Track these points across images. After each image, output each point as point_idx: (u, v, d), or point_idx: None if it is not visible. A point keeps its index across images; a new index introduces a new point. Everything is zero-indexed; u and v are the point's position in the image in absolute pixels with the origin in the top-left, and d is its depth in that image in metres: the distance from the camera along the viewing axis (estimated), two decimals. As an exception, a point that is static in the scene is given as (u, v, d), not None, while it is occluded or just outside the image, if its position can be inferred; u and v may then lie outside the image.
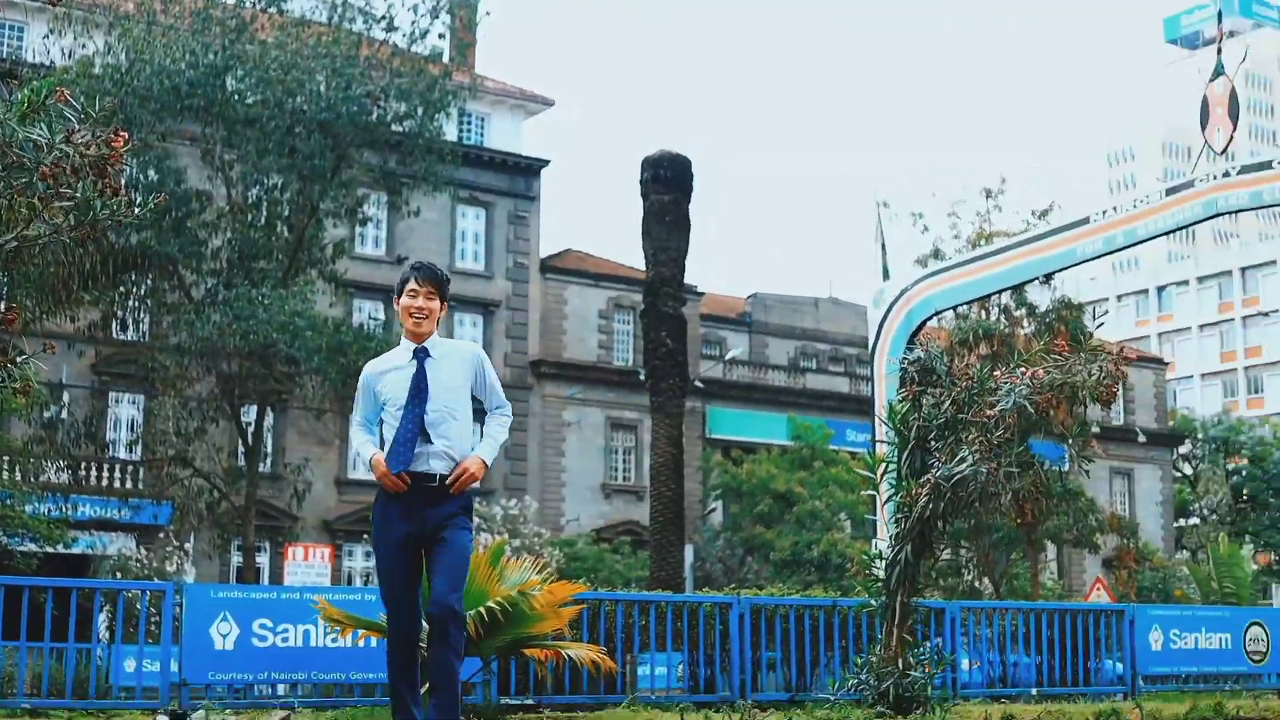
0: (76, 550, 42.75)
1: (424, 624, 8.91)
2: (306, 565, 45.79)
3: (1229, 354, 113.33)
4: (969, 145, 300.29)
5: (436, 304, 8.69)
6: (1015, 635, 19.12)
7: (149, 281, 35.31)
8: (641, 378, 59.13)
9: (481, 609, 12.23)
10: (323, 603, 13.29)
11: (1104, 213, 36.83)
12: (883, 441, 16.91)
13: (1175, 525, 77.26)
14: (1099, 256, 37.39)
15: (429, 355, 8.64)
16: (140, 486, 44.40)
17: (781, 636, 16.91)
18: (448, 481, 8.48)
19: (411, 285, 8.67)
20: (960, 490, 14.10)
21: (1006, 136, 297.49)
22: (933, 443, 14.86)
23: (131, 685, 16.01)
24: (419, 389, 8.53)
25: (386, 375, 8.70)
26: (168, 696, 13.62)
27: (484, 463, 8.54)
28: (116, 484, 44.76)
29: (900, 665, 14.13)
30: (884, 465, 15.18)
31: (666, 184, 36.55)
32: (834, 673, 16.79)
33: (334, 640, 14.06)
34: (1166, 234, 36.50)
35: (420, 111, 36.25)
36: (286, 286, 33.68)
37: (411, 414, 8.49)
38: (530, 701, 14.78)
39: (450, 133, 45.64)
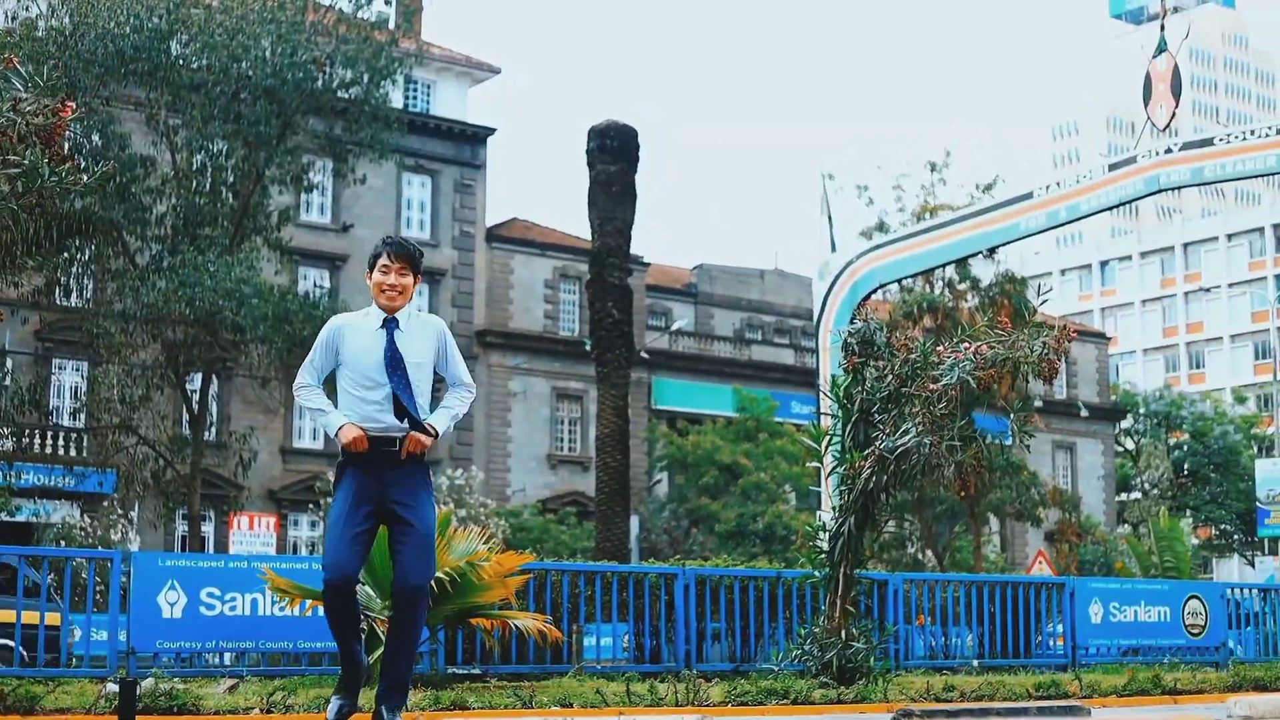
0: (20, 519, 42.58)
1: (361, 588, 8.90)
2: (252, 534, 45.71)
3: (1171, 329, 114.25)
4: (914, 117, 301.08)
5: (410, 280, 8.60)
6: (957, 607, 19.32)
7: (93, 247, 35.02)
8: (587, 348, 59.32)
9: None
10: (270, 573, 13.32)
11: (1047, 188, 37.12)
12: (827, 414, 17.05)
13: (1117, 499, 77.86)
14: (1042, 231, 37.72)
15: (398, 326, 8.58)
16: (85, 454, 44.17)
17: (726, 607, 17.03)
18: (395, 447, 8.44)
19: (384, 261, 8.59)
20: (903, 463, 14.25)
21: (951, 108, 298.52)
22: (876, 416, 15.01)
23: (79, 654, 16.01)
24: (394, 359, 8.46)
25: (354, 338, 8.60)
26: (115, 665, 13.62)
27: (435, 430, 8.49)
28: (60, 452, 44.53)
29: (843, 636, 14.29)
30: (828, 438, 15.30)
31: (613, 154, 36.56)
32: (778, 644, 16.92)
33: (281, 610, 14.07)
34: (1109, 209, 36.87)
35: (366, 79, 36.10)
36: (232, 254, 33.51)
37: (399, 382, 8.42)
38: (477, 671, 14.86)
39: (396, 100, 45.47)
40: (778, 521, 55.19)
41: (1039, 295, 16.44)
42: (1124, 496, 79.53)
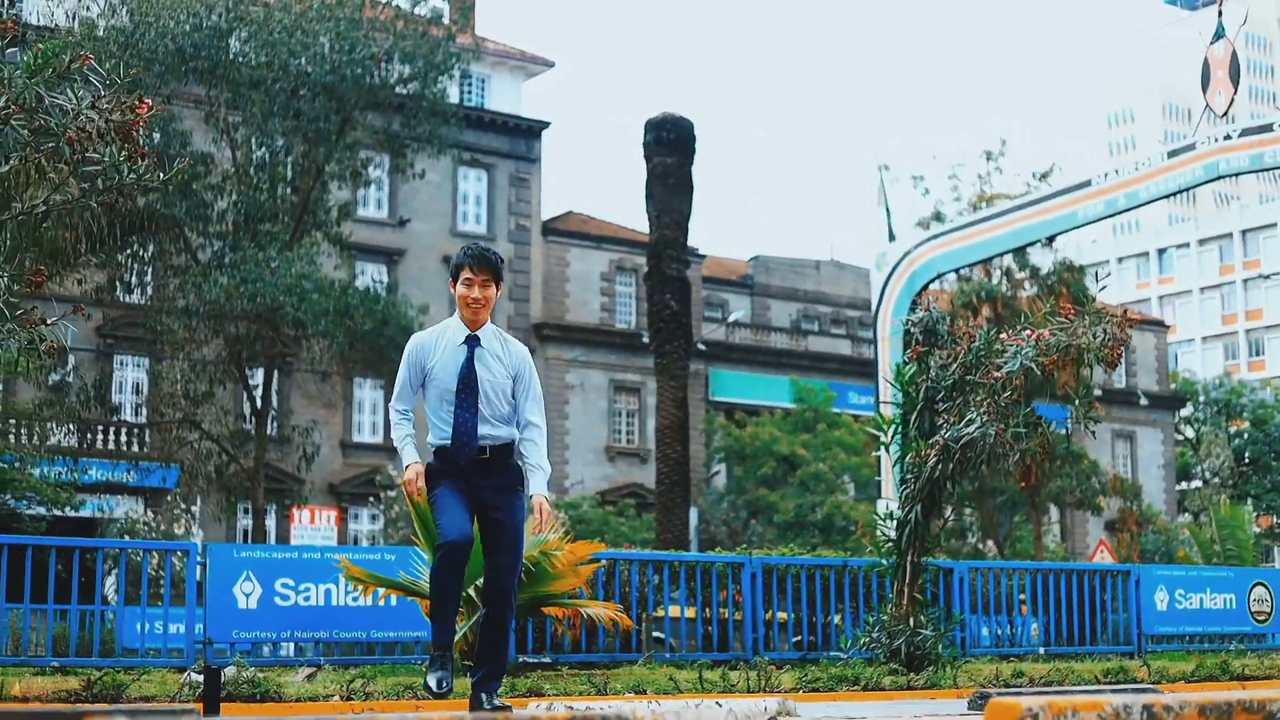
0: (84, 514, 43.00)
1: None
2: (313, 528, 46.07)
3: (1230, 316, 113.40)
4: (969, 106, 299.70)
5: (493, 290, 8.73)
6: (1022, 595, 19.33)
7: (155, 244, 35.36)
8: (644, 340, 59.49)
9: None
10: (346, 562, 13.49)
11: (1105, 175, 37.08)
12: (887, 403, 17.03)
13: (1177, 488, 77.46)
14: (1100, 219, 37.65)
15: (479, 344, 8.74)
16: (147, 449, 44.54)
17: (793, 596, 17.11)
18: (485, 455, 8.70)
19: (467, 274, 8.70)
20: (969, 451, 14.28)
21: (1005, 97, 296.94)
22: (940, 404, 15.04)
23: (136, 648, 16.22)
24: (469, 383, 8.66)
25: (438, 351, 8.78)
26: (193, 655, 13.80)
27: (547, 500, 8.81)
28: (124, 447, 44.92)
29: (911, 624, 14.34)
30: (893, 427, 15.34)
31: (669, 146, 36.70)
32: (844, 631, 17.00)
33: (355, 600, 14.23)
34: (1167, 197, 36.78)
35: (424, 74, 36.29)
36: (292, 249, 33.75)
37: (467, 404, 8.64)
38: (548, 659, 14.98)
39: (452, 95, 45.72)
40: (836, 512, 55.23)
41: (1098, 282, 16.42)
42: (1184, 485, 79.11)
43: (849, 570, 17.39)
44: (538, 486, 8.78)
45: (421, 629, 14.66)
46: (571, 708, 6.24)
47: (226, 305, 33.23)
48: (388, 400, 45.96)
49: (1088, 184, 36.73)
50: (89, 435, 40.66)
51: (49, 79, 10.30)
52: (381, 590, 13.61)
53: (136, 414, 46.04)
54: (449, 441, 8.69)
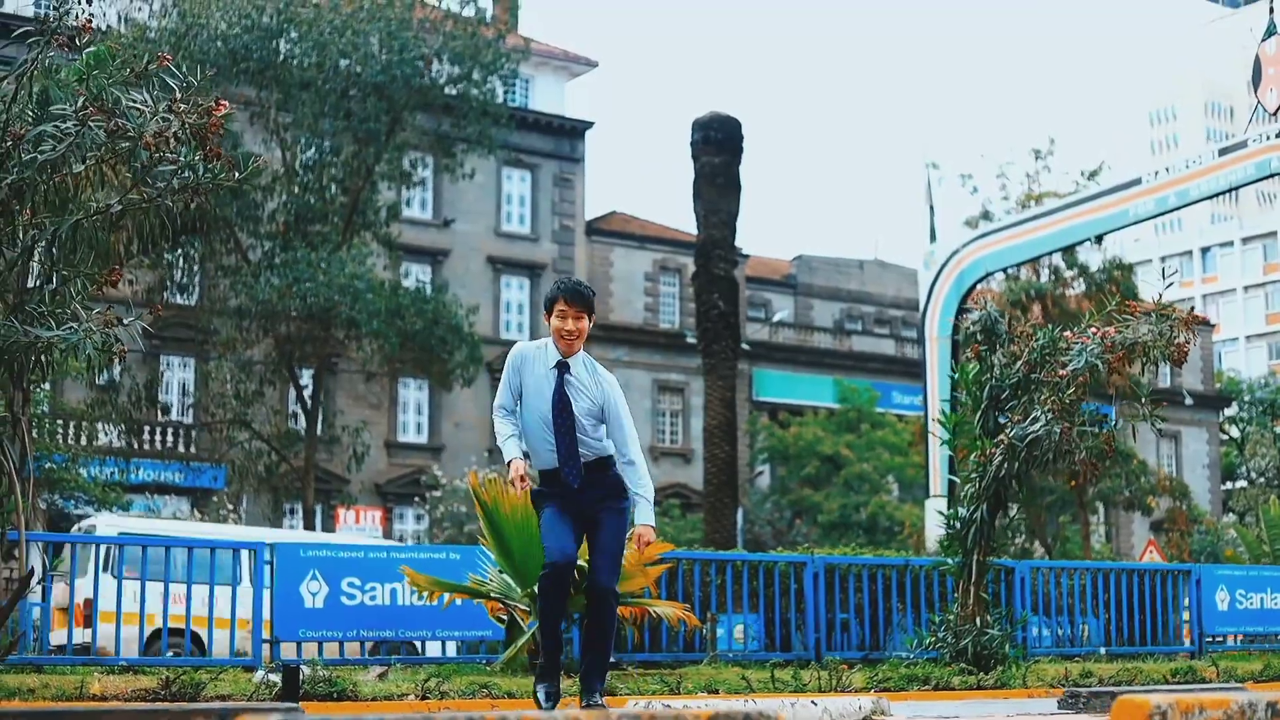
0: (133, 514, 43.15)
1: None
2: (359, 528, 46.10)
3: (1274, 315, 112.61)
4: (1010, 104, 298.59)
5: (585, 322, 8.84)
6: (1082, 595, 19.20)
7: (206, 245, 35.49)
8: (689, 340, 59.41)
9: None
10: (409, 571, 13.48)
11: (1155, 173, 36.90)
12: (945, 399, 16.90)
13: (1222, 488, 76.97)
14: (1151, 217, 37.48)
15: (569, 372, 8.88)
16: (194, 449, 44.68)
17: (855, 595, 17.05)
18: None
19: (561, 307, 8.85)
20: (1034, 449, 14.20)
21: (1048, 96, 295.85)
22: (1006, 403, 14.96)
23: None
24: (562, 409, 8.82)
25: (531, 371, 8.95)
26: (259, 654, 13.82)
27: (652, 529, 9.06)
28: (170, 448, 45.05)
29: (978, 623, 14.27)
30: (953, 425, 15.27)
31: (717, 146, 36.59)
32: (906, 631, 16.94)
33: (421, 600, 14.23)
34: (1218, 195, 36.60)
35: (475, 74, 36.34)
36: (344, 250, 33.83)
37: (563, 427, 8.80)
38: (612, 659, 14.94)
39: (497, 95, 45.78)
40: (880, 512, 55.11)
41: (1164, 279, 16.26)
42: (1229, 485, 78.56)
43: (910, 570, 17.30)
44: (644, 516, 9.00)
45: (487, 629, 14.66)
46: (686, 706, 6.20)
47: (279, 305, 33.31)
48: (433, 401, 45.95)
49: (1138, 182, 36.55)
50: (140, 434, 40.74)
51: (125, 80, 10.34)
52: (448, 595, 13.59)
53: (183, 414, 46.18)
54: (551, 466, 8.90)
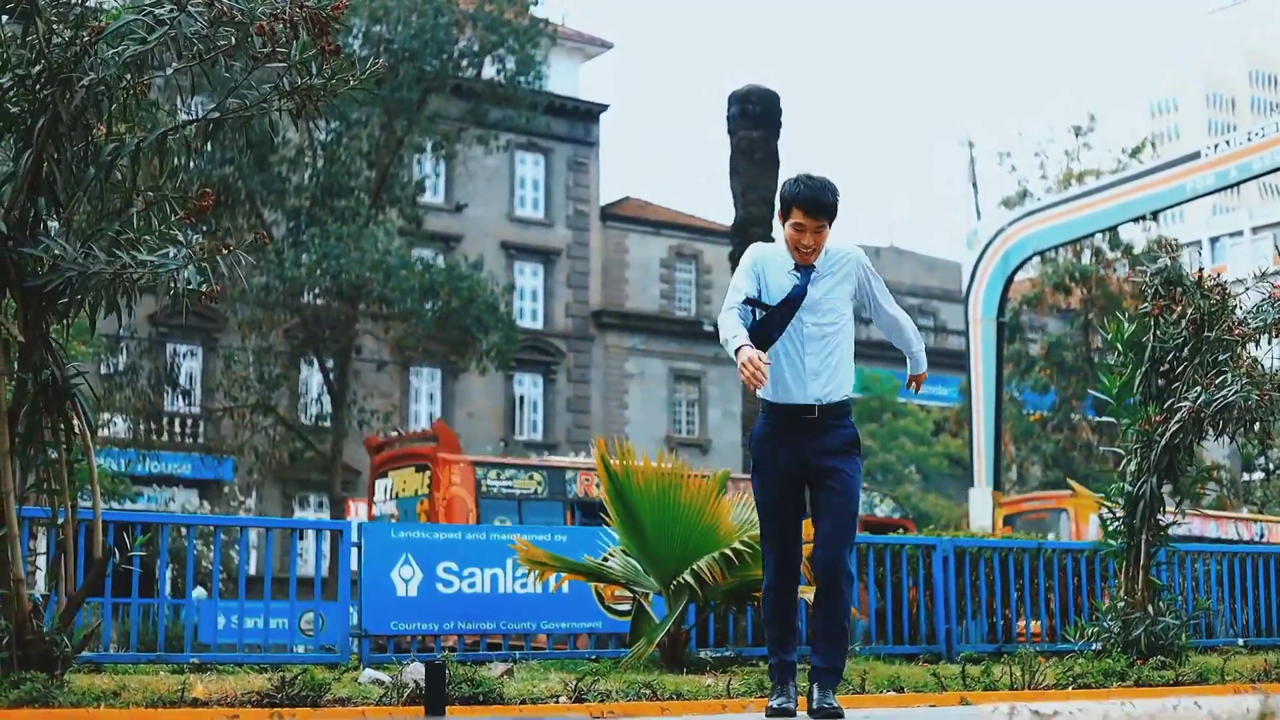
0: (140, 506, 41.47)
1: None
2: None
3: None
4: (1006, 95, 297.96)
5: (826, 232, 7.70)
6: (1219, 581, 17.53)
7: (229, 220, 33.72)
8: (706, 328, 57.74)
9: (722, 552, 10.83)
10: (524, 543, 11.81)
11: (1215, 147, 35.45)
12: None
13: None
14: (1211, 192, 36.03)
15: (814, 272, 7.71)
16: (202, 440, 43.12)
17: (987, 582, 15.44)
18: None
19: (798, 219, 7.63)
20: (1225, 416, 12.60)
21: (1049, 87, 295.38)
22: (1173, 365, 13.36)
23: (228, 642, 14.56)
24: (790, 306, 7.65)
25: (774, 275, 7.73)
26: (348, 650, 12.15)
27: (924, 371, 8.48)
28: (178, 439, 43.46)
29: (1151, 611, 12.66)
30: (1118, 389, 13.64)
31: (754, 120, 34.90)
32: (1040, 619, 15.43)
33: (524, 587, 12.60)
34: (1282, 169, 35.07)
35: (510, 42, 34.71)
36: (376, 225, 32.11)
37: (791, 339, 7.66)
38: (729, 653, 13.28)
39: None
40: (906, 502, 53.58)
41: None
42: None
43: (1043, 554, 15.67)
44: (920, 365, 8.66)
45: (598, 620, 13.05)
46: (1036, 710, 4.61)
47: (307, 283, 31.56)
48: (445, 390, 44.20)
49: (1196, 156, 35.12)
50: (151, 425, 38.94)
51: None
52: (562, 575, 11.93)
53: (189, 403, 44.41)
54: (780, 398, 7.67)
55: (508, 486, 24.55)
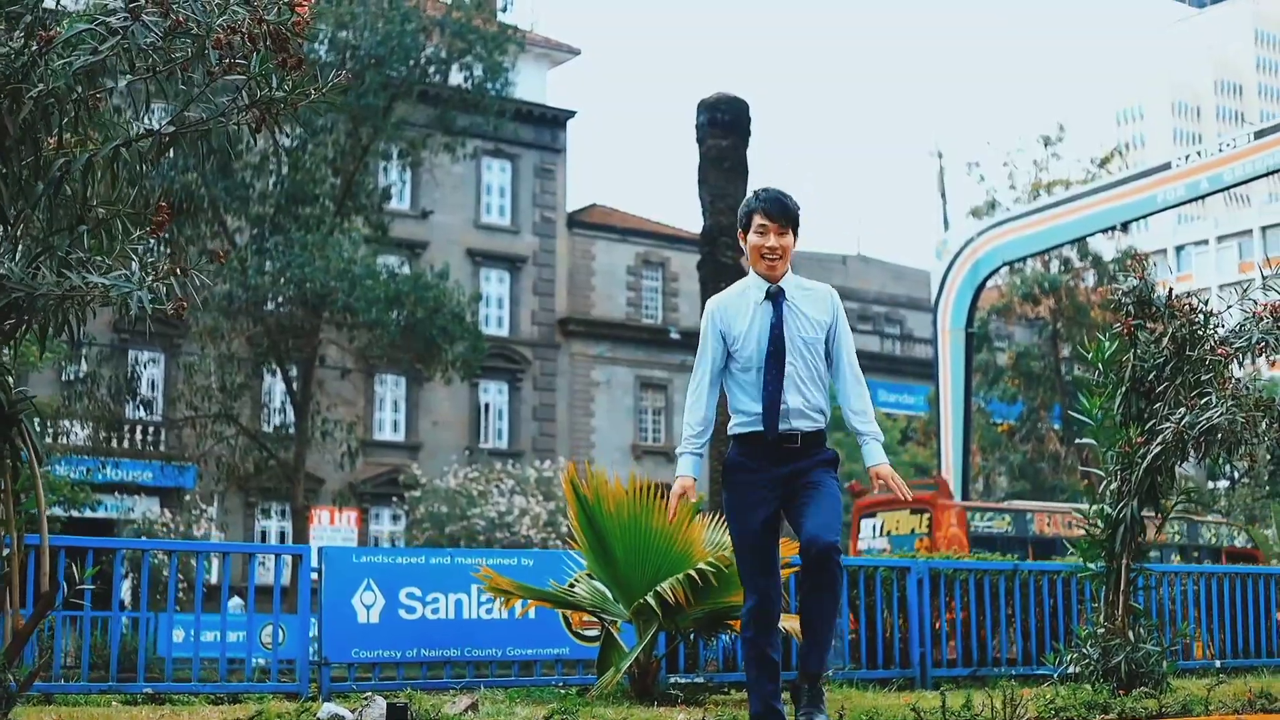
0: (101, 514, 40.93)
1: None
2: (333, 529, 43.93)
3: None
4: (973, 103, 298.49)
5: (790, 239, 7.47)
6: (1197, 602, 17.28)
7: (190, 228, 33.22)
8: (673, 336, 57.48)
9: (693, 572, 10.48)
10: (489, 571, 11.46)
11: (1186, 158, 35.31)
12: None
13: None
14: (1182, 203, 35.93)
15: (785, 298, 7.41)
16: (164, 447, 42.62)
17: (961, 604, 15.14)
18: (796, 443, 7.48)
19: (760, 221, 7.42)
20: (1209, 438, 12.31)
21: (1015, 96, 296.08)
22: (1153, 385, 13.08)
23: (185, 656, 14.17)
24: (777, 343, 7.34)
25: (739, 318, 7.43)
26: (307, 679, 11.78)
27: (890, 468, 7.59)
28: (139, 446, 42.97)
29: (1131, 637, 12.38)
30: (1097, 410, 13.35)
31: (724, 128, 34.25)
32: (1015, 643, 15.15)
33: (489, 613, 12.25)
34: (1255, 179, 34.97)
35: (478, 48, 34.37)
36: (342, 233, 31.69)
37: (773, 373, 7.35)
38: (700, 679, 12.95)
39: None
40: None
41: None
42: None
43: (1019, 575, 15.40)
44: (876, 457, 7.59)
45: (565, 645, 12.71)
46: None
47: (271, 291, 31.11)
48: (410, 398, 43.89)
49: (1167, 167, 35.03)
50: (113, 432, 38.42)
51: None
52: (529, 600, 11.57)
53: (149, 411, 43.84)
54: (757, 424, 7.39)
55: (988, 526, 29.16)
